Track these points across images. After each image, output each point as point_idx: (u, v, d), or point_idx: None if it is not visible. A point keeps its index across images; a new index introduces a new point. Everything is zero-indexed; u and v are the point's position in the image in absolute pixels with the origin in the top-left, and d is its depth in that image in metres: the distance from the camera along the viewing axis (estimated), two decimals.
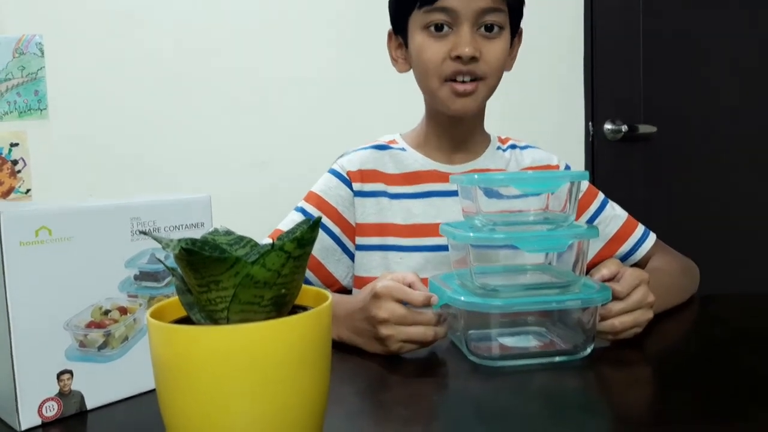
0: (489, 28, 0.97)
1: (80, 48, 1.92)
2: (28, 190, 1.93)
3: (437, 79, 0.99)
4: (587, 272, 0.84)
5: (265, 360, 0.45)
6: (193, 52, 1.93)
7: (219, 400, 0.44)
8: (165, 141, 1.94)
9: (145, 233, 0.49)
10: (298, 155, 1.92)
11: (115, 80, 1.92)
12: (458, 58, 0.96)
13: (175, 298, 0.51)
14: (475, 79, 0.99)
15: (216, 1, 1.93)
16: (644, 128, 1.96)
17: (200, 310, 0.48)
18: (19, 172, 1.92)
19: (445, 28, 0.97)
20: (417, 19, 0.99)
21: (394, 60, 1.09)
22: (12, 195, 1.92)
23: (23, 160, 1.92)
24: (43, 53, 1.91)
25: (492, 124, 1.14)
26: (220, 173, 1.94)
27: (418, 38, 1.00)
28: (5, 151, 1.92)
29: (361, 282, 1.05)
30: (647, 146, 1.99)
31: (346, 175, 1.07)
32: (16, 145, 1.92)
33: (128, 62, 1.92)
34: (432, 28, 0.98)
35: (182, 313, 0.51)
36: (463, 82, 0.98)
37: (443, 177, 1.06)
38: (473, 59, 0.96)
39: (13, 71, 1.91)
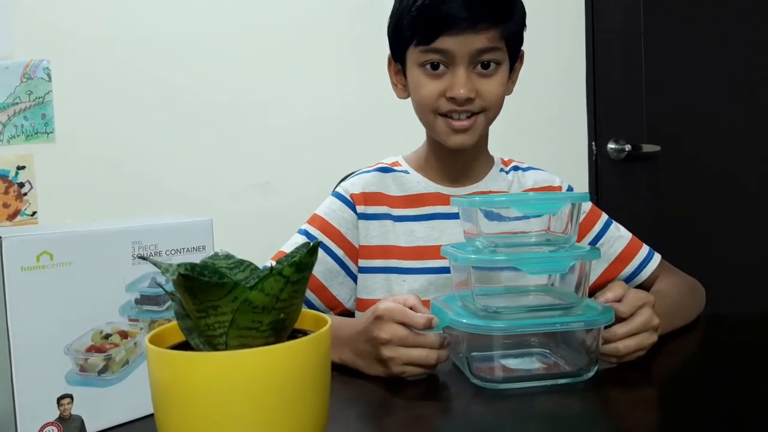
0: (486, 65, 0.97)
1: (87, 73, 1.94)
2: (34, 213, 1.94)
3: (433, 114, 1.00)
4: (593, 294, 0.84)
5: (263, 385, 0.44)
6: (197, 75, 1.95)
7: (217, 425, 0.44)
8: (170, 163, 1.95)
9: (144, 258, 0.49)
10: (301, 177, 1.93)
11: (121, 104, 1.94)
12: (453, 98, 0.96)
13: (175, 322, 0.51)
14: (473, 113, 0.99)
15: (220, 25, 1.95)
16: (648, 147, 1.96)
17: (199, 335, 0.48)
18: (25, 194, 1.94)
19: (441, 67, 0.97)
20: (413, 55, 0.99)
21: (394, 85, 1.09)
22: (18, 217, 1.93)
23: (30, 182, 1.94)
24: (50, 78, 1.93)
25: (495, 146, 1.14)
26: (224, 195, 1.95)
27: (414, 74, 1.00)
28: (12, 174, 1.94)
29: (363, 304, 1.05)
30: (651, 165, 1.99)
31: (349, 198, 1.07)
32: (23, 168, 1.94)
33: (134, 86, 1.94)
34: (428, 66, 0.98)
35: (181, 337, 0.51)
36: (459, 118, 0.99)
37: (446, 199, 1.06)
38: (468, 99, 0.96)
39: (20, 95, 1.93)
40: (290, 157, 1.96)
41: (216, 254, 0.53)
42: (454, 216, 1.03)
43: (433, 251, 1.03)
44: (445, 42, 0.95)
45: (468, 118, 0.99)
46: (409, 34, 0.98)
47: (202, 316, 0.46)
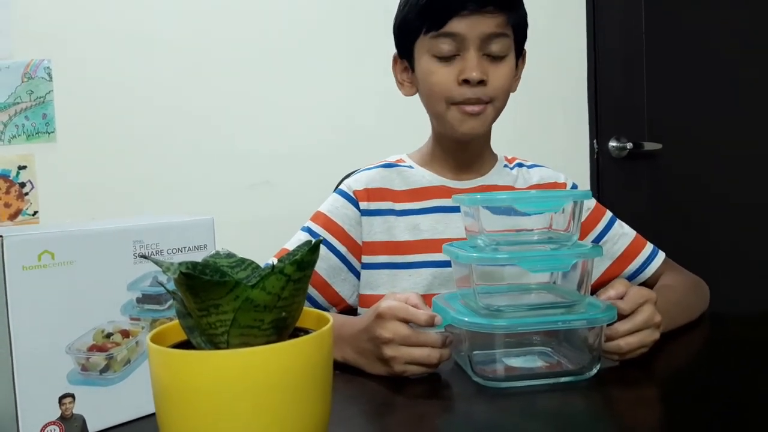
0: (494, 54, 0.98)
1: (87, 72, 1.94)
2: (35, 213, 1.94)
3: (444, 103, 1.00)
4: (596, 292, 0.84)
5: (265, 384, 0.44)
6: (198, 74, 1.95)
7: (219, 424, 0.44)
8: (171, 162, 1.95)
9: (145, 257, 0.49)
10: (303, 175, 1.93)
11: (122, 103, 1.94)
12: (466, 82, 0.97)
13: (176, 321, 0.51)
14: (483, 102, 0.99)
15: (221, 24, 1.95)
16: (649, 145, 1.96)
17: (201, 333, 0.48)
18: (26, 194, 1.94)
19: (452, 53, 0.98)
20: (423, 44, 1.00)
21: (399, 83, 1.10)
22: (19, 217, 1.93)
23: (31, 182, 1.94)
24: (51, 77, 1.93)
25: (497, 143, 1.14)
26: (226, 193, 1.95)
27: (424, 63, 1.01)
28: (13, 174, 1.93)
29: (367, 300, 1.05)
30: (652, 163, 1.99)
31: (352, 195, 1.08)
32: (24, 167, 1.94)
33: (135, 85, 1.94)
34: (439, 53, 0.99)
35: (183, 336, 0.51)
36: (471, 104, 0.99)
37: (451, 192, 1.06)
38: (481, 83, 0.97)
39: (21, 95, 1.93)
40: (292, 156, 1.95)
41: (217, 253, 0.53)
42: (458, 209, 1.03)
43: (438, 245, 1.02)
44: (456, 25, 0.96)
45: (479, 105, 1.00)
46: (419, 23, 0.99)
47: (204, 314, 0.46)
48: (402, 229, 1.06)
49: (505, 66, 1.00)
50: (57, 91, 1.94)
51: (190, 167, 1.95)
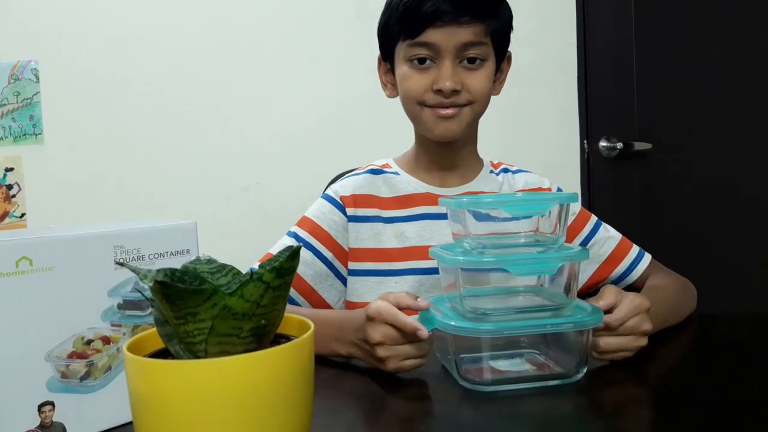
0: (471, 59, 0.99)
1: (75, 74, 1.93)
2: (22, 215, 1.93)
3: (418, 106, 1.01)
4: (585, 296, 0.83)
5: (243, 394, 0.44)
6: (186, 77, 1.94)
7: None
8: (158, 165, 1.94)
9: (122, 264, 0.48)
10: (291, 179, 1.92)
11: (109, 105, 1.93)
12: (439, 90, 0.97)
13: (155, 329, 0.50)
14: (459, 105, 1.00)
15: (209, 28, 1.94)
16: (639, 145, 1.96)
17: (179, 341, 0.47)
18: (13, 196, 1.92)
19: (428, 61, 0.99)
20: (402, 50, 1.01)
21: (383, 85, 1.10)
22: (6, 219, 1.92)
23: (18, 184, 1.92)
24: (38, 79, 1.92)
25: (487, 144, 1.14)
26: (215, 197, 1.94)
27: (402, 68, 1.02)
28: (0, 176, 1.92)
29: (353, 307, 1.04)
30: (643, 163, 1.99)
31: (339, 200, 1.07)
32: (11, 169, 1.92)
33: (122, 87, 1.93)
34: (415, 61, 0.99)
35: (161, 344, 0.50)
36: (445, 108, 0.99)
37: (436, 199, 1.05)
38: (454, 92, 0.97)
39: (8, 97, 1.92)
40: (280, 159, 1.94)
41: (198, 259, 0.52)
42: (445, 216, 1.03)
43: (424, 252, 1.02)
44: (431, 35, 0.96)
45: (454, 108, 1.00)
46: (397, 29, 1.00)
47: (181, 323, 0.45)
48: (389, 236, 1.05)
49: (483, 72, 1.00)
50: (44, 93, 1.92)
51: (178, 169, 1.94)
